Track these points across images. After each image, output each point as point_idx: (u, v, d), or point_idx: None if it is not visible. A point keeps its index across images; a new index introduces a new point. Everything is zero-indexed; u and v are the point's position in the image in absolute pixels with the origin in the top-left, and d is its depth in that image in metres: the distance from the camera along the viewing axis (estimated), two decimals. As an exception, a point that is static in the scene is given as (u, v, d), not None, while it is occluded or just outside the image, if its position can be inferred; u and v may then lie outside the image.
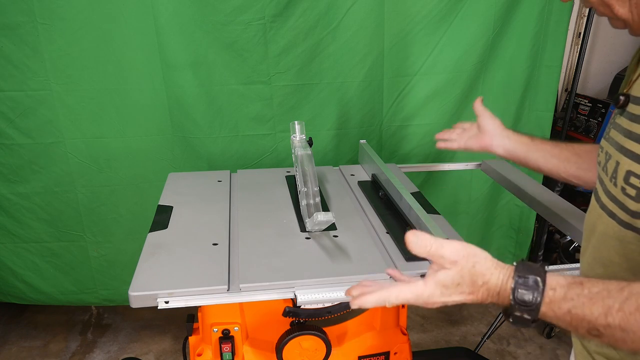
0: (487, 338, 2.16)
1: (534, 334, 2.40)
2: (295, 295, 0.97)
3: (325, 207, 1.32)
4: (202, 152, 2.03)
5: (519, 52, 2.09)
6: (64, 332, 2.39)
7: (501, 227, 2.47)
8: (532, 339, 2.37)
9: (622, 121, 0.73)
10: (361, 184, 1.51)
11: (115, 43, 1.83)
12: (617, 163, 0.73)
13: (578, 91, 2.40)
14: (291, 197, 1.39)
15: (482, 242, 2.44)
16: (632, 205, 0.69)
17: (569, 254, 2.36)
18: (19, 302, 2.28)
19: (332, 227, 1.21)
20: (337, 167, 1.66)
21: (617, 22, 0.73)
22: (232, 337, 1.10)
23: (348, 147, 2.12)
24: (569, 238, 2.36)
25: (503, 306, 0.65)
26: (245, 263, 1.06)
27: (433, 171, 2.19)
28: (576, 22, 2.44)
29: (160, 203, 1.34)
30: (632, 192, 0.69)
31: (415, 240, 0.67)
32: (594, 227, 0.80)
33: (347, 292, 0.75)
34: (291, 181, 1.49)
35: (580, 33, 2.43)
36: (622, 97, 0.73)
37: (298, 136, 1.34)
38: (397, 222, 1.25)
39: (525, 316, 0.62)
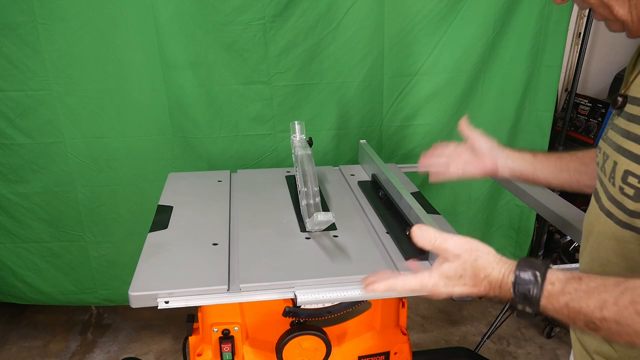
0: (487, 338, 2.17)
1: (534, 334, 2.40)
2: (295, 295, 0.97)
3: (325, 207, 1.32)
4: (202, 152, 2.03)
5: (519, 52, 2.09)
6: (64, 332, 2.39)
7: (501, 227, 2.47)
8: (532, 339, 2.37)
9: (620, 122, 0.74)
10: (361, 184, 1.51)
11: (115, 43, 1.83)
12: (615, 163, 0.73)
13: (578, 91, 2.40)
14: (291, 197, 1.39)
15: (482, 241, 2.43)
16: (630, 204, 0.70)
17: (569, 254, 2.35)
18: (19, 302, 2.28)
19: (332, 227, 1.21)
20: (337, 167, 1.66)
21: (615, 24, 0.72)
22: (232, 337, 1.10)
23: (348, 147, 2.12)
24: (569, 238, 2.36)
25: (507, 300, 0.67)
26: (245, 263, 1.06)
27: (433, 171, 2.18)
28: (576, 22, 2.44)
29: (160, 203, 1.34)
30: (630, 191, 0.69)
31: (421, 233, 0.72)
32: (593, 227, 0.80)
33: (362, 281, 0.78)
34: (291, 181, 1.49)
35: (580, 33, 2.43)
36: (619, 98, 0.74)
37: (298, 136, 1.34)
38: (397, 222, 1.25)
39: (527, 309, 0.65)
